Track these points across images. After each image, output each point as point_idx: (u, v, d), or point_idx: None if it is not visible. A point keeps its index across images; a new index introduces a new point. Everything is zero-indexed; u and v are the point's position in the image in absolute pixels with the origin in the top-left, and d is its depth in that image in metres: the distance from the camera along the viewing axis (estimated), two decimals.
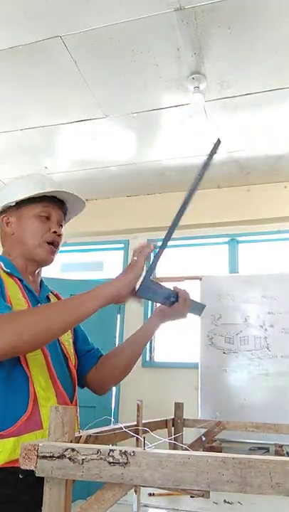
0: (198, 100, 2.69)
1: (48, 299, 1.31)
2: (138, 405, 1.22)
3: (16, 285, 1.19)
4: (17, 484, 0.99)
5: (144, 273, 1.11)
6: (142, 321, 3.68)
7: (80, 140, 3.31)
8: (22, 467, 0.68)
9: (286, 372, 3.28)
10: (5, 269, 1.19)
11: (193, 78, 2.57)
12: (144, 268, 1.12)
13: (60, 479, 0.69)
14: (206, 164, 1.20)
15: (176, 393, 2.85)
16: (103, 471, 0.65)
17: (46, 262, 1.30)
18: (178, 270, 3.71)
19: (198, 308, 1.36)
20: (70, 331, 1.32)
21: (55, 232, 1.28)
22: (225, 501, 1.50)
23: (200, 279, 3.68)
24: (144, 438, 0.90)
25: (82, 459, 0.66)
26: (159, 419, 1.67)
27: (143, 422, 1.23)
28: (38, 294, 1.27)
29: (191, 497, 1.53)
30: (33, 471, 0.68)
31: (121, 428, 0.99)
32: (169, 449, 0.80)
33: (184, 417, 1.87)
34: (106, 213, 4.13)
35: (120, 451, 0.65)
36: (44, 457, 0.67)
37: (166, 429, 1.70)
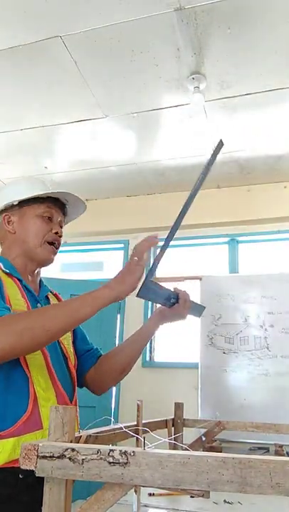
0: (198, 100, 2.69)
1: (47, 298, 1.32)
2: (138, 405, 1.22)
3: (15, 285, 1.19)
4: (17, 484, 0.99)
5: (144, 274, 1.11)
6: (142, 321, 3.69)
7: (80, 140, 3.31)
8: (22, 467, 0.68)
9: (286, 372, 3.28)
10: (4, 269, 1.20)
11: (193, 78, 2.57)
12: (145, 270, 1.11)
13: (60, 479, 0.69)
14: (209, 165, 1.19)
15: (176, 393, 2.86)
16: (103, 471, 0.65)
17: (47, 261, 1.30)
18: (178, 270, 3.71)
19: (198, 309, 1.36)
20: None
21: (56, 233, 1.29)
22: (225, 501, 1.49)
23: (200, 279, 3.68)
24: (144, 438, 0.90)
25: (82, 459, 0.66)
26: (159, 419, 1.67)
27: (143, 422, 1.23)
28: (38, 294, 1.28)
29: (191, 497, 1.53)
30: (33, 471, 0.68)
31: (121, 428, 0.99)
32: (169, 449, 0.80)
33: (184, 417, 1.87)
34: (106, 213, 4.13)
35: (120, 451, 0.65)
36: (44, 457, 0.67)
37: (166, 429, 1.70)
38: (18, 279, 1.21)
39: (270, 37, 2.29)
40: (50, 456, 0.67)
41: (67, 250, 4.35)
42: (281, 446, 2.01)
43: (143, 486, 1.10)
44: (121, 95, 2.79)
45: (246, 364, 3.39)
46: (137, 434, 1.05)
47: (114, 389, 3.69)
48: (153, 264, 1.12)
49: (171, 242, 1.13)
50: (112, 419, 1.25)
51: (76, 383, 1.26)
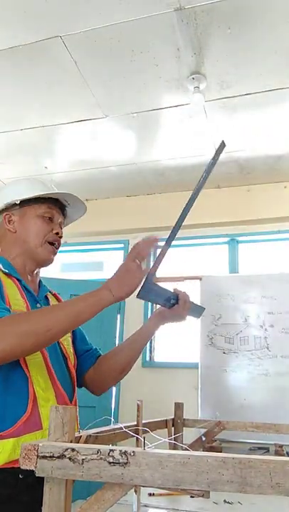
0: (198, 100, 2.69)
1: (46, 299, 1.32)
2: (138, 405, 1.22)
3: (14, 285, 1.19)
4: (17, 484, 0.99)
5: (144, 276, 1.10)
6: (142, 321, 3.69)
7: (80, 140, 3.31)
8: (22, 467, 0.68)
9: (286, 372, 3.28)
10: (3, 269, 1.20)
11: (193, 78, 2.57)
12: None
13: (60, 479, 0.69)
14: (211, 166, 1.19)
15: (176, 393, 2.86)
16: (103, 471, 0.65)
17: (47, 261, 1.31)
18: (178, 270, 3.71)
19: (197, 310, 1.36)
20: None
21: (57, 233, 1.30)
22: (225, 501, 1.49)
23: (200, 279, 3.68)
24: (144, 438, 0.90)
25: (82, 459, 0.66)
26: (159, 419, 1.67)
27: (143, 422, 1.23)
28: (37, 294, 1.28)
29: (191, 497, 1.53)
30: (33, 471, 0.68)
31: (121, 428, 0.99)
32: (169, 449, 0.80)
33: (184, 417, 1.87)
34: (106, 213, 4.13)
35: (120, 451, 0.65)
36: (44, 457, 0.67)
37: (166, 429, 1.70)
38: (18, 279, 1.21)
39: (270, 37, 2.29)
40: (50, 456, 0.67)
41: (67, 250, 4.35)
42: (281, 446, 2.01)
43: (143, 486, 1.10)
44: (121, 95, 2.79)
45: (246, 364, 3.39)
46: (137, 434, 1.05)
47: (114, 389, 3.69)
48: (153, 265, 1.12)
49: (172, 243, 1.13)
50: (112, 419, 1.25)
51: (76, 383, 1.26)
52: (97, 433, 0.96)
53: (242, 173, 3.72)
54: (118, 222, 4.16)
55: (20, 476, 0.97)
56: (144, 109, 2.92)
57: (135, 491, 1.25)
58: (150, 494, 1.55)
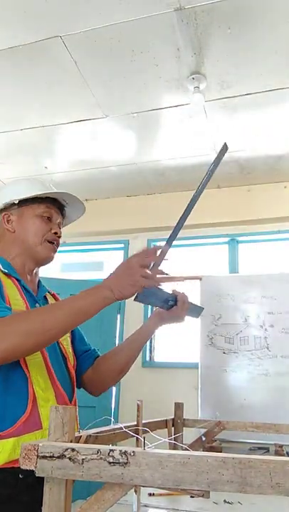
0: (198, 100, 2.69)
1: (45, 299, 1.32)
2: (138, 405, 1.22)
3: (14, 286, 1.19)
4: (17, 484, 0.99)
5: None
6: (142, 321, 3.69)
7: (80, 140, 3.31)
8: (22, 467, 0.68)
9: (286, 372, 3.28)
10: (3, 269, 1.20)
11: (193, 78, 2.57)
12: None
13: (60, 479, 0.69)
14: (214, 168, 1.18)
15: (176, 393, 2.86)
16: (103, 471, 0.65)
17: (47, 259, 1.30)
18: (178, 270, 3.71)
19: (196, 310, 1.35)
20: None
21: (55, 233, 1.30)
22: (225, 501, 1.49)
23: (200, 279, 3.68)
24: (144, 438, 0.90)
25: (82, 459, 0.66)
26: (159, 419, 1.67)
27: (143, 422, 1.23)
28: (36, 294, 1.28)
29: (191, 497, 1.53)
30: (33, 471, 0.68)
31: (121, 428, 0.99)
32: (169, 449, 0.80)
33: (184, 417, 1.87)
34: (106, 213, 4.13)
35: (120, 451, 0.65)
36: (44, 457, 0.68)
37: (166, 429, 1.70)
38: (17, 280, 1.21)
39: (270, 37, 2.29)
40: (50, 456, 0.67)
41: (67, 250, 4.35)
42: (281, 446, 2.01)
43: (143, 486, 1.10)
44: (121, 95, 2.79)
45: (246, 364, 3.39)
46: (137, 434, 1.05)
47: (114, 389, 3.69)
48: (153, 266, 1.11)
49: (172, 243, 1.12)
50: (112, 419, 1.25)
51: (75, 383, 1.26)
52: (97, 433, 0.96)
53: (242, 173, 3.72)
54: (118, 222, 4.16)
55: (20, 476, 0.97)
56: (144, 109, 2.92)
57: (135, 491, 1.25)
58: (150, 494, 1.55)
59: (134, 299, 1.09)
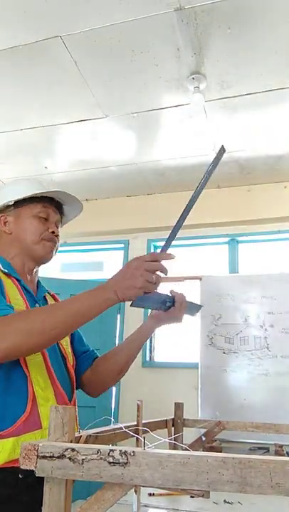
0: (198, 100, 2.69)
1: (44, 299, 1.32)
2: (138, 405, 1.22)
3: (14, 285, 1.19)
4: (17, 484, 0.99)
5: None
6: (142, 321, 3.67)
7: (80, 140, 3.31)
8: (22, 467, 0.68)
9: (286, 372, 3.28)
10: (3, 269, 1.20)
11: (193, 78, 2.57)
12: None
13: (60, 479, 0.69)
14: (212, 169, 1.18)
15: (176, 393, 2.86)
16: (103, 471, 0.65)
17: (46, 258, 1.30)
18: (178, 270, 3.71)
19: (194, 308, 1.34)
20: None
21: (53, 232, 1.29)
22: (225, 501, 1.49)
23: (200, 279, 3.68)
24: (144, 438, 0.90)
25: (82, 459, 0.66)
26: (159, 419, 1.67)
27: (143, 422, 1.23)
28: (36, 294, 1.28)
29: (191, 497, 1.53)
30: (33, 471, 0.68)
31: (121, 428, 0.99)
32: (169, 449, 0.80)
33: (184, 417, 1.87)
34: (106, 213, 4.13)
35: (120, 451, 0.65)
36: (44, 457, 0.67)
37: (166, 429, 1.70)
38: (17, 279, 1.21)
39: (270, 37, 2.29)
40: (50, 456, 0.67)
41: (67, 250, 4.35)
42: (281, 446, 2.01)
43: (143, 486, 1.10)
44: (121, 95, 2.79)
45: (246, 364, 3.39)
46: (137, 434, 1.05)
47: (114, 389, 3.69)
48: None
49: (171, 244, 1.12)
50: (112, 419, 1.25)
51: (75, 383, 1.26)
52: (97, 433, 0.96)
53: (242, 173, 3.72)
54: (118, 222, 4.16)
55: (20, 475, 0.96)
56: (144, 109, 2.92)
57: (135, 491, 1.25)
58: (150, 494, 1.55)
59: (131, 305, 1.08)
